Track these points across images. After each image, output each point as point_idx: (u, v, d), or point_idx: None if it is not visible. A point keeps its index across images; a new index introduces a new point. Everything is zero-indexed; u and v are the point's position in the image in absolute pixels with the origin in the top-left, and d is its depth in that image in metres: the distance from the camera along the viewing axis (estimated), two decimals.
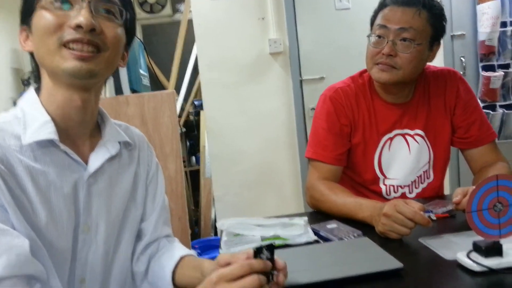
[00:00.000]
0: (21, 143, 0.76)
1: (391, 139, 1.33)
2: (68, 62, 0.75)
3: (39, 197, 0.75)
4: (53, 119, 0.79)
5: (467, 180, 2.59)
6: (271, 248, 0.72)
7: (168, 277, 0.92)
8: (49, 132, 0.77)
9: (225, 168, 2.74)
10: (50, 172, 0.77)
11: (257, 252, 0.72)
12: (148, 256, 0.99)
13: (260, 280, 0.66)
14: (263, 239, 1.06)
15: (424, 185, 1.37)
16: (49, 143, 0.78)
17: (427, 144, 1.34)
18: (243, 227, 1.11)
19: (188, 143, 4.08)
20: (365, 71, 1.40)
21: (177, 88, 3.75)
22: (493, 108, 2.63)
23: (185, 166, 3.86)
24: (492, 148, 1.34)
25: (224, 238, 1.10)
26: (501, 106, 2.62)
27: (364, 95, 1.34)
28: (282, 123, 2.72)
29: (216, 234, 3.07)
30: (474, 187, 0.84)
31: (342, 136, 1.33)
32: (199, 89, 3.51)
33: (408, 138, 1.33)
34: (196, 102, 3.90)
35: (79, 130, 0.84)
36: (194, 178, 3.87)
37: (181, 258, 0.94)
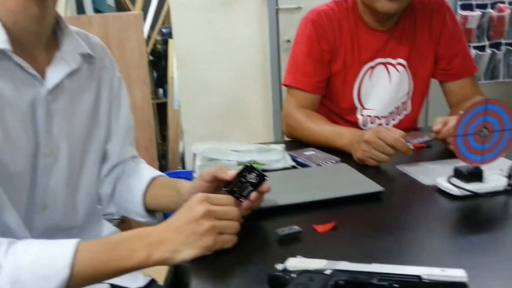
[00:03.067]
0: None
1: (372, 68, 1.29)
2: None
3: None
4: (4, 27, 0.68)
5: (434, 115, 2.62)
6: (261, 177, 0.69)
7: (138, 199, 0.89)
8: (0, 40, 0.67)
9: (194, 100, 2.66)
10: (3, 88, 0.69)
11: (247, 169, 0.69)
12: (113, 178, 0.94)
13: (239, 217, 0.66)
14: (239, 164, 1.02)
15: (401, 116, 1.35)
16: (1, 54, 0.68)
17: (408, 75, 1.30)
18: (218, 152, 1.07)
19: (155, 74, 3.91)
20: None
21: (143, 14, 3.53)
22: None
23: (152, 99, 3.72)
24: (472, 82, 1.32)
25: (198, 162, 1.06)
26: (474, 48, 2.61)
27: (347, 20, 1.27)
28: (255, 54, 2.62)
29: (183, 167, 3.04)
30: (455, 116, 0.82)
31: (322, 62, 1.27)
32: (167, 16, 3.30)
33: (390, 67, 1.29)
34: (164, 30, 3.70)
35: (34, 40, 0.74)
36: (161, 111, 3.76)
37: (152, 179, 0.90)
